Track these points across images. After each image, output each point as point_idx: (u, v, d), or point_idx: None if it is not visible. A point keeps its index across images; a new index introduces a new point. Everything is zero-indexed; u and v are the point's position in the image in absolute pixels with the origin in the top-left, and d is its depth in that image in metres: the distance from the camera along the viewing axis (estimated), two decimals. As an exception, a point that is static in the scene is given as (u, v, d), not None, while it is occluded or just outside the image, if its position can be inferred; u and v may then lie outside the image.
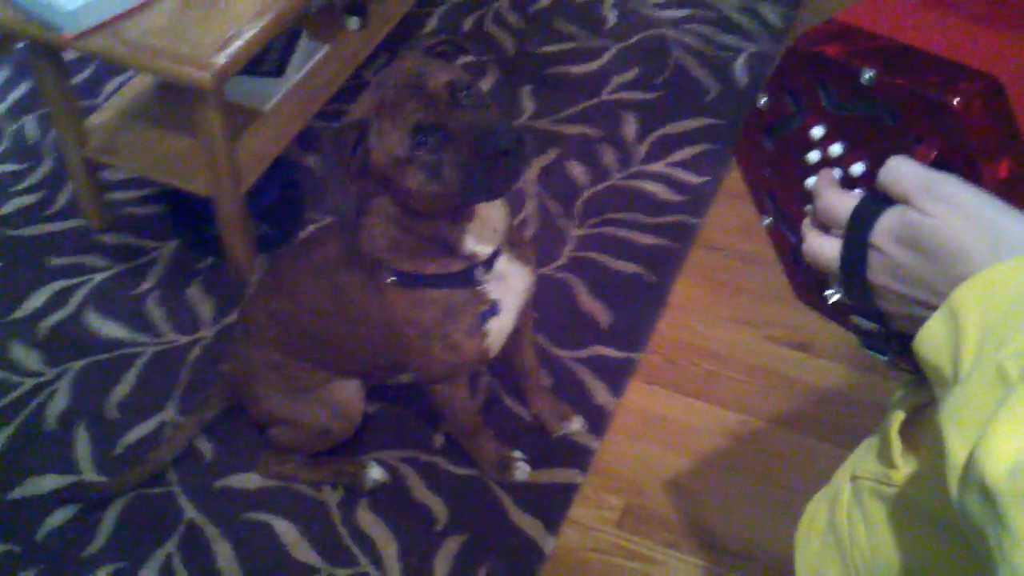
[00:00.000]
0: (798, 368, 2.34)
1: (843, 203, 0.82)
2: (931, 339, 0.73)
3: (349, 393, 2.01)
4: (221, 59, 2.11)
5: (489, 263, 1.69)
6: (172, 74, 2.12)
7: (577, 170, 2.79)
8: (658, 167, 2.79)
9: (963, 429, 0.66)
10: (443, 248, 1.64)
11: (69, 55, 2.55)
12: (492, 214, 1.65)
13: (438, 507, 2.09)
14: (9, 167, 2.81)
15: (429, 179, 1.47)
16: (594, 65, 3.13)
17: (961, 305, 0.70)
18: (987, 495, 0.61)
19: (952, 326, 0.71)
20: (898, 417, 0.90)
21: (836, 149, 0.86)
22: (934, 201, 0.74)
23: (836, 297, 0.87)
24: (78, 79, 3.02)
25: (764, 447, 2.21)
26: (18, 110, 2.99)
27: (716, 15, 3.33)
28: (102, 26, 2.16)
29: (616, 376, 2.31)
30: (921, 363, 0.75)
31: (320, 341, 1.92)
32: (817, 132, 0.87)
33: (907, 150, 0.78)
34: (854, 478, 0.95)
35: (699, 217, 2.66)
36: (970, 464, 0.63)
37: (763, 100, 0.91)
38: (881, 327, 0.84)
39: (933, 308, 0.74)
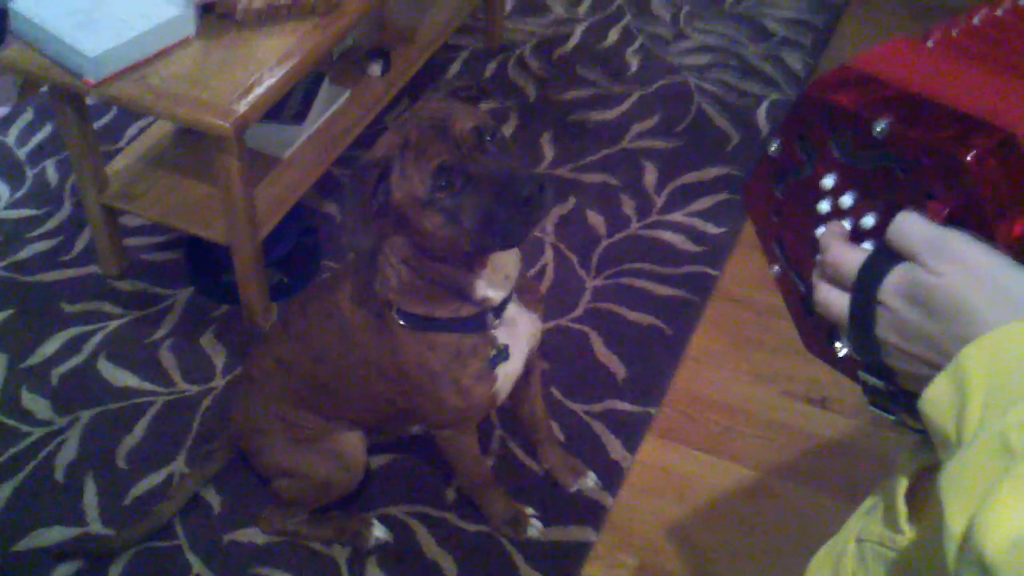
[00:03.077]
0: (815, 423, 2.31)
1: (851, 258, 0.80)
2: (936, 399, 0.71)
3: (351, 445, 1.99)
4: (242, 107, 2.11)
5: (499, 309, 1.68)
6: (192, 121, 2.13)
7: (595, 219, 2.77)
8: (677, 217, 2.77)
9: (963, 498, 0.64)
10: (455, 292, 1.63)
11: (91, 100, 2.56)
12: (505, 260, 1.64)
13: (448, 564, 2.06)
14: (27, 212, 2.81)
15: (447, 222, 1.47)
16: (615, 112, 3.12)
17: (967, 366, 0.68)
18: (985, 570, 0.59)
19: (957, 387, 0.69)
20: (903, 482, 0.88)
21: (847, 200, 0.84)
22: (942, 260, 0.73)
23: (845, 351, 0.85)
24: (99, 124, 3.03)
25: (780, 504, 2.17)
26: (39, 154, 3.00)
27: (739, 62, 3.32)
28: (124, 72, 2.16)
29: (631, 431, 2.28)
30: (926, 423, 0.73)
31: (326, 388, 1.90)
32: (828, 182, 0.85)
33: (919, 204, 0.76)
34: (859, 540, 0.93)
35: (717, 268, 2.63)
36: (969, 536, 0.61)
37: (774, 146, 0.90)
38: (888, 385, 0.82)
39: (940, 367, 0.72)
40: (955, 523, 0.63)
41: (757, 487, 2.21)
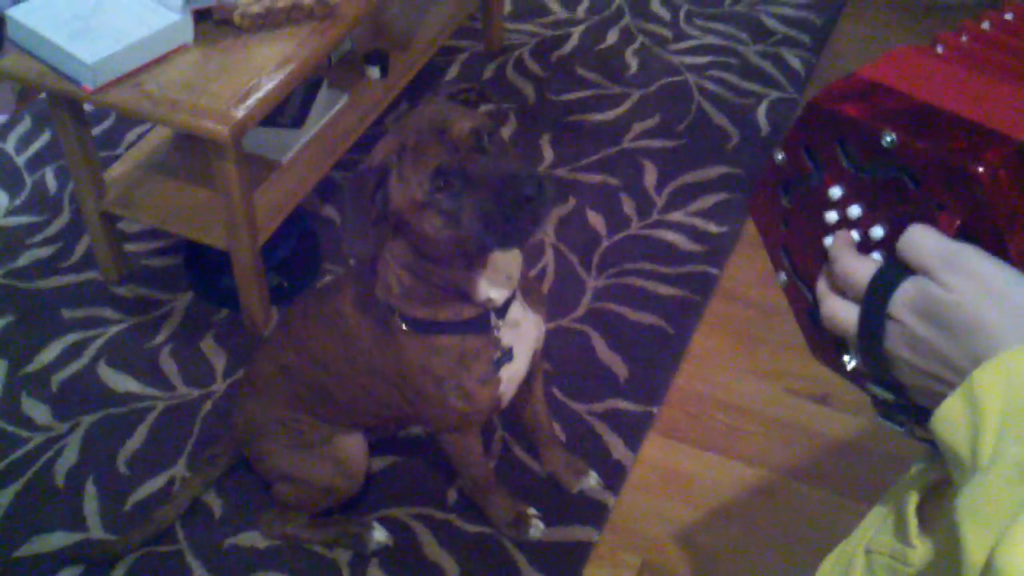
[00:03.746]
0: (818, 421, 2.30)
1: (861, 269, 0.78)
2: (949, 419, 0.70)
3: (353, 451, 1.98)
4: (239, 112, 2.11)
5: (503, 309, 1.67)
6: (190, 127, 2.12)
7: (596, 220, 2.76)
8: (678, 216, 2.76)
9: (981, 526, 0.63)
10: (457, 294, 1.62)
11: (89, 107, 2.56)
12: (506, 261, 1.63)
13: (450, 566, 2.05)
14: (26, 219, 2.81)
15: (447, 224, 1.46)
16: (615, 112, 3.11)
17: (981, 388, 0.67)
18: None
19: (971, 409, 0.67)
20: (913, 495, 0.87)
21: (855, 210, 0.82)
22: (955, 275, 0.71)
23: (853, 364, 0.84)
24: (98, 130, 3.04)
25: (783, 502, 2.16)
26: (38, 161, 3.00)
27: (738, 62, 3.31)
28: (122, 79, 2.16)
29: (633, 430, 2.27)
30: (938, 442, 0.72)
31: (328, 393, 1.89)
32: (835, 192, 0.83)
33: (929, 216, 0.75)
34: (868, 552, 0.92)
35: (719, 267, 2.63)
36: (991, 567, 0.60)
37: (780, 155, 0.88)
38: (898, 398, 0.81)
39: (952, 384, 0.71)
40: (975, 552, 0.62)
41: (760, 485, 2.20)
